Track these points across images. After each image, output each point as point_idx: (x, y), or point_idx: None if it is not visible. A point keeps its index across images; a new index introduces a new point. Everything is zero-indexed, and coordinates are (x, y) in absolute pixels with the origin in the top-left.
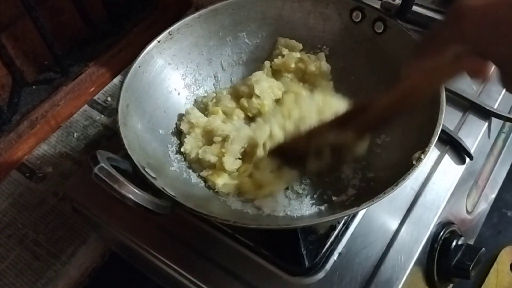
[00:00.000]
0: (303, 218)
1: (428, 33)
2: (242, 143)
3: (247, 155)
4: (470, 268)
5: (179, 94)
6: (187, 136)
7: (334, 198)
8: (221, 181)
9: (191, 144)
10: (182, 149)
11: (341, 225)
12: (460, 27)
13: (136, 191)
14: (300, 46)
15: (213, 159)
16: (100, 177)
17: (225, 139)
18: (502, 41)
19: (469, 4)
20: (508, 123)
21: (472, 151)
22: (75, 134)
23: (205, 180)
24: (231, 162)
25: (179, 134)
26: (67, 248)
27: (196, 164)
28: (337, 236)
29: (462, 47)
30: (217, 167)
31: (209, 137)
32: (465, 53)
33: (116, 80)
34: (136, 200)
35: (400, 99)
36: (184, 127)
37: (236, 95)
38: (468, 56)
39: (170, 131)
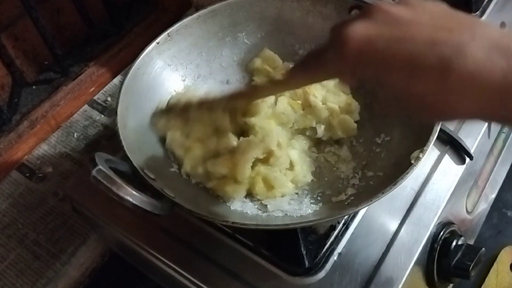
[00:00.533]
0: (303, 218)
1: (314, 51)
2: (258, 153)
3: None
4: (470, 268)
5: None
6: (184, 158)
7: (333, 198)
8: (232, 188)
9: (190, 164)
10: (182, 171)
11: (341, 225)
12: (341, 52)
13: (134, 193)
14: (280, 62)
15: (224, 171)
16: (98, 179)
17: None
18: (376, 71)
19: (351, 35)
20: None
21: (472, 151)
22: (75, 134)
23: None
24: (245, 172)
25: None
26: (67, 248)
27: (202, 177)
28: (337, 236)
29: (342, 67)
30: (228, 177)
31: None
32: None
33: (116, 80)
34: (134, 202)
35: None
36: (179, 151)
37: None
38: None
39: None
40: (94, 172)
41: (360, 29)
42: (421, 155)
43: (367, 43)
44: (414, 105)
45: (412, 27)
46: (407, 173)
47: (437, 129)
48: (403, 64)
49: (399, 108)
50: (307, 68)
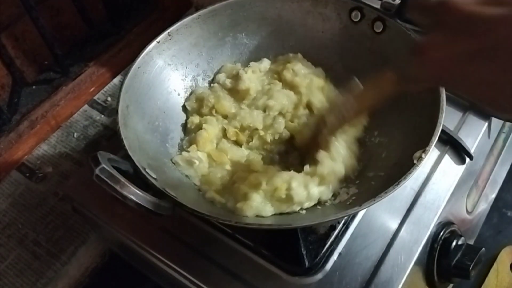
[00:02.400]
0: (303, 218)
1: (396, 69)
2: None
3: None
4: (470, 268)
5: (179, 94)
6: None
7: (334, 197)
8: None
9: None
10: (198, 184)
11: (341, 225)
12: (419, 74)
13: (138, 192)
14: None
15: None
16: (102, 178)
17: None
18: (458, 86)
19: (428, 55)
20: (508, 123)
21: (472, 151)
22: (75, 134)
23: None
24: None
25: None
26: (67, 248)
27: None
28: (337, 236)
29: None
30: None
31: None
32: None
33: (116, 80)
34: (137, 201)
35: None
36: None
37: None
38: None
39: (171, 131)
40: (97, 171)
41: (435, 48)
42: (423, 155)
43: (443, 65)
44: (497, 108)
45: (494, 30)
46: (410, 173)
47: (439, 129)
48: (483, 81)
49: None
50: (407, 79)
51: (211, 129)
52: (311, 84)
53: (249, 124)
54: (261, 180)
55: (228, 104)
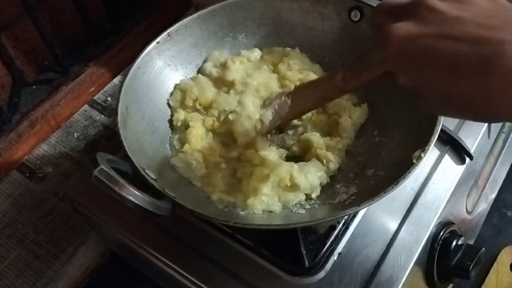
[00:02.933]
0: (303, 217)
1: (359, 55)
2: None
3: None
4: (470, 268)
5: None
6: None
7: (334, 197)
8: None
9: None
10: (199, 185)
11: (341, 225)
12: (384, 51)
13: (136, 193)
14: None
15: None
16: (100, 179)
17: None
18: (419, 70)
19: (393, 32)
20: (508, 123)
21: (472, 151)
22: (75, 134)
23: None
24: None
25: None
26: (67, 248)
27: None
28: (337, 236)
29: (387, 67)
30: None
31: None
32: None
33: (116, 80)
34: (136, 202)
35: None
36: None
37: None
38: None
39: (170, 132)
40: (96, 172)
41: (402, 27)
42: (422, 155)
43: (409, 41)
44: (456, 105)
45: (456, 24)
46: (409, 173)
47: (438, 128)
48: (445, 64)
49: (442, 108)
50: (355, 71)
51: (199, 126)
52: (305, 80)
53: (225, 108)
54: (266, 172)
55: (211, 96)
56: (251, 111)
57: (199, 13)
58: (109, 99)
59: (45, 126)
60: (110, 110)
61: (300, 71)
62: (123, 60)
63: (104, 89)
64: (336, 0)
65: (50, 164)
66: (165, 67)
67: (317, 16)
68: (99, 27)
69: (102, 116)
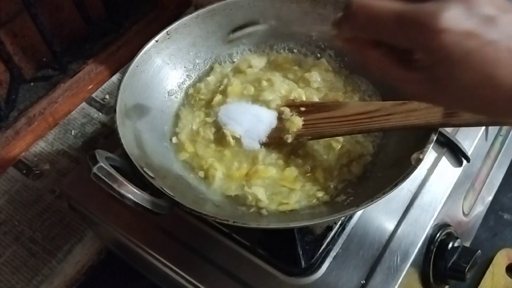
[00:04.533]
0: (300, 218)
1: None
2: None
3: None
4: (466, 270)
5: (177, 94)
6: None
7: (332, 198)
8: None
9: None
10: (218, 190)
11: (337, 225)
12: (433, 45)
13: (136, 190)
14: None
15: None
16: (99, 176)
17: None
18: (454, 67)
19: (448, 25)
20: (505, 126)
21: (469, 153)
22: (73, 132)
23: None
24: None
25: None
26: (63, 246)
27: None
28: (333, 236)
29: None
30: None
31: None
32: None
33: (115, 78)
34: (135, 199)
35: None
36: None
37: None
38: None
39: (169, 131)
40: (95, 169)
41: (458, 20)
42: (421, 156)
43: (465, 40)
44: (477, 104)
45: (500, 28)
46: (408, 174)
47: (436, 130)
48: (483, 69)
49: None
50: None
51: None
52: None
53: None
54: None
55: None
56: None
57: (199, 12)
58: (107, 97)
59: (43, 123)
60: (108, 108)
61: (319, 89)
62: (121, 58)
63: (103, 87)
64: (335, 1)
65: (47, 161)
66: (164, 65)
67: (317, 17)
68: (98, 25)
69: (100, 114)
